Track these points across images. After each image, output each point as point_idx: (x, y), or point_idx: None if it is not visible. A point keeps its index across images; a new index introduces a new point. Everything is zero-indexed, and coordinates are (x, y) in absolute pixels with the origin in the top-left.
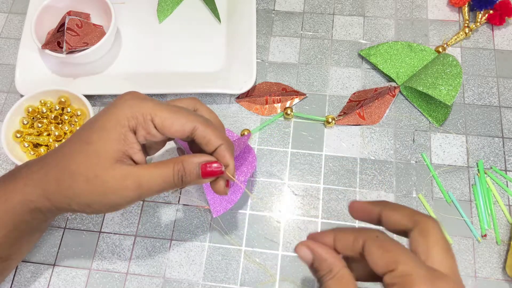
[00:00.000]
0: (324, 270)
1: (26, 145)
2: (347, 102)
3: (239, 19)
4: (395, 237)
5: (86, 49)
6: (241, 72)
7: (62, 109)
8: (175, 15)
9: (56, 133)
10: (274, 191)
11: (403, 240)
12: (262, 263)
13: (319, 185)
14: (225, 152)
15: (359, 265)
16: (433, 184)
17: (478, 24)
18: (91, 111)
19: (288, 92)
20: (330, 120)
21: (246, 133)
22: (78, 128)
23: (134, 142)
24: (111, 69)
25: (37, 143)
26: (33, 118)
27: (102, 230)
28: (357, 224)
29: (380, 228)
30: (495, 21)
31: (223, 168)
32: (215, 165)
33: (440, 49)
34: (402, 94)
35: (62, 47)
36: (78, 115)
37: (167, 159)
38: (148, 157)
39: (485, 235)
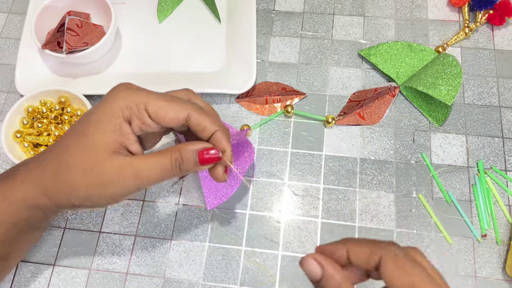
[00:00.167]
0: None
1: (26, 145)
2: (347, 102)
3: (239, 19)
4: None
5: (86, 49)
6: (241, 72)
7: (62, 109)
8: (175, 15)
9: (56, 133)
10: (274, 191)
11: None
12: (262, 263)
13: (319, 185)
14: (221, 137)
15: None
16: (433, 184)
17: (478, 24)
18: None
19: (288, 91)
20: (330, 120)
21: (245, 128)
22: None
23: (130, 133)
24: (111, 69)
25: (37, 143)
26: (33, 118)
27: (102, 230)
28: (357, 224)
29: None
30: (495, 21)
31: (220, 154)
32: (212, 151)
33: (440, 49)
34: (402, 94)
35: (62, 47)
36: (78, 115)
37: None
38: (145, 151)
39: (485, 235)
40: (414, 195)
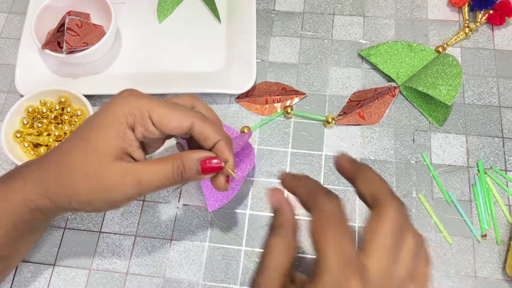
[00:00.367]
0: (278, 223)
1: (26, 145)
2: (347, 102)
3: (239, 19)
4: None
5: (86, 49)
6: (241, 72)
7: (62, 109)
8: (175, 15)
9: (56, 133)
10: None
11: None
12: None
13: None
14: (224, 147)
15: None
16: (433, 184)
17: (478, 24)
18: (91, 111)
19: (288, 91)
20: (330, 120)
21: (246, 130)
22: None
23: (133, 139)
24: (111, 69)
25: (37, 143)
26: (33, 118)
27: (102, 230)
28: (357, 224)
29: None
30: (495, 21)
31: (222, 164)
32: (214, 161)
33: (440, 49)
34: (402, 94)
35: (62, 47)
36: (78, 115)
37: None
38: (147, 156)
39: (485, 235)
40: (414, 195)
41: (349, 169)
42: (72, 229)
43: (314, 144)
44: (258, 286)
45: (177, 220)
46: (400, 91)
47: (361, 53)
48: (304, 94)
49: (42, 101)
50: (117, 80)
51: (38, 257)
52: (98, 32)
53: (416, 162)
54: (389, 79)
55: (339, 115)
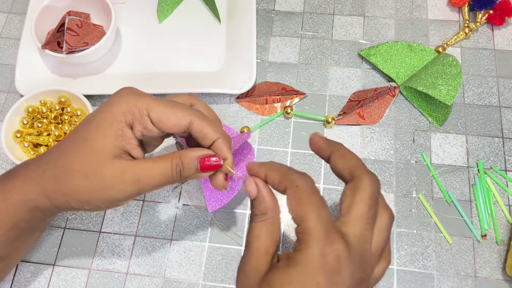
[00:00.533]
0: (259, 210)
1: (26, 145)
2: (347, 102)
3: (239, 19)
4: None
5: (86, 49)
6: (241, 72)
7: (62, 109)
8: (175, 15)
9: (56, 133)
10: (274, 191)
11: None
12: None
13: (319, 185)
14: (223, 145)
15: None
16: (433, 184)
17: (478, 24)
18: (91, 111)
19: (288, 91)
20: (330, 120)
21: (245, 130)
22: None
23: (132, 138)
24: (111, 69)
25: (37, 143)
26: (33, 118)
27: (102, 230)
28: None
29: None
30: (495, 21)
31: (221, 162)
32: (213, 158)
33: (440, 49)
34: (402, 94)
35: (62, 47)
36: (78, 115)
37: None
38: (146, 154)
39: (485, 235)
40: (414, 195)
41: (324, 147)
42: (72, 229)
43: None
44: (246, 271)
45: (177, 220)
46: (400, 91)
47: (361, 53)
48: (304, 94)
49: (42, 101)
50: (117, 80)
51: (38, 257)
52: (98, 32)
53: (416, 162)
54: (389, 79)
55: (339, 115)
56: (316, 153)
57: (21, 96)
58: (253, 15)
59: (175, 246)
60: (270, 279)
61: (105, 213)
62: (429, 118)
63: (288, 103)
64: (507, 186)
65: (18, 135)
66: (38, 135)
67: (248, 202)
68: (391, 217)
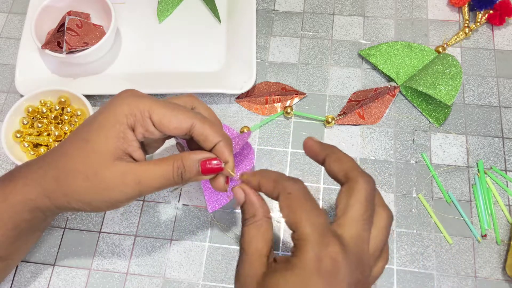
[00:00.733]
0: (248, 214)
1: (26, 145)
2: (347, 102)
3: (239, 19)
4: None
5: (86, 49)
6: (241, 72)
7: (62, 109)
8: (175, 15)
9: (56, 133)
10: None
11: None
12: None
13: (319, 185)
14: (224, 148)
15: None
16: (433, 184)
17: (478, 24)
18: (91, 111)
19: (288, 91)
20: (330, 120)
21: (245, 130)
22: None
23: (133, 140)
24: (111, 69)
25: (37, 143)
26: (33, 118)
27: (102, 230)
28: None
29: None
30: (495, 21)
31: (222, 165)
32: (214, 161)
33: (440, 49)
34: (402, 94)
35: (62, 47)
36: (78, 115)
37: (167, 156)
38: (147, 156)
39: (485, 235)
40: (414, 195)
41: (318, 151)
42: (72, 229)
43: None
44: (243, 276)
45: (177, 220)
46: (400, 91)
47: (361, 53)
48: (304, 94)
49: (42, 101)
50: (117, 80)
51: (38, 257)
52: (98, 32)
53: (416, 162)
54: (389, 79)
55: (339, 115)
56: (310, 157)
57: (21, 96)
58: (253, 15)
59: (175, 246)
60: (267, 283)
61: (105, 213)
62: (429, 118)
63: (288, 103)
64: (507, 186)
65: (18, 135)
66: (38, 135)
67: None
68: (390, 217)
